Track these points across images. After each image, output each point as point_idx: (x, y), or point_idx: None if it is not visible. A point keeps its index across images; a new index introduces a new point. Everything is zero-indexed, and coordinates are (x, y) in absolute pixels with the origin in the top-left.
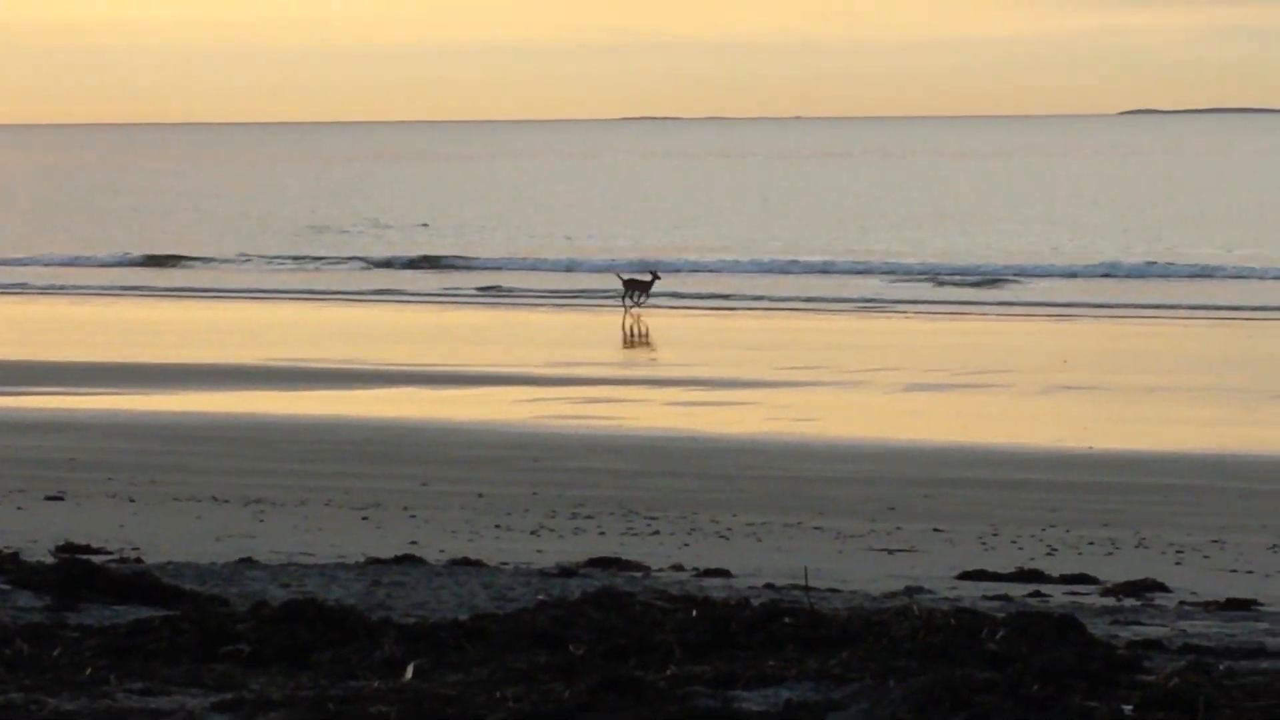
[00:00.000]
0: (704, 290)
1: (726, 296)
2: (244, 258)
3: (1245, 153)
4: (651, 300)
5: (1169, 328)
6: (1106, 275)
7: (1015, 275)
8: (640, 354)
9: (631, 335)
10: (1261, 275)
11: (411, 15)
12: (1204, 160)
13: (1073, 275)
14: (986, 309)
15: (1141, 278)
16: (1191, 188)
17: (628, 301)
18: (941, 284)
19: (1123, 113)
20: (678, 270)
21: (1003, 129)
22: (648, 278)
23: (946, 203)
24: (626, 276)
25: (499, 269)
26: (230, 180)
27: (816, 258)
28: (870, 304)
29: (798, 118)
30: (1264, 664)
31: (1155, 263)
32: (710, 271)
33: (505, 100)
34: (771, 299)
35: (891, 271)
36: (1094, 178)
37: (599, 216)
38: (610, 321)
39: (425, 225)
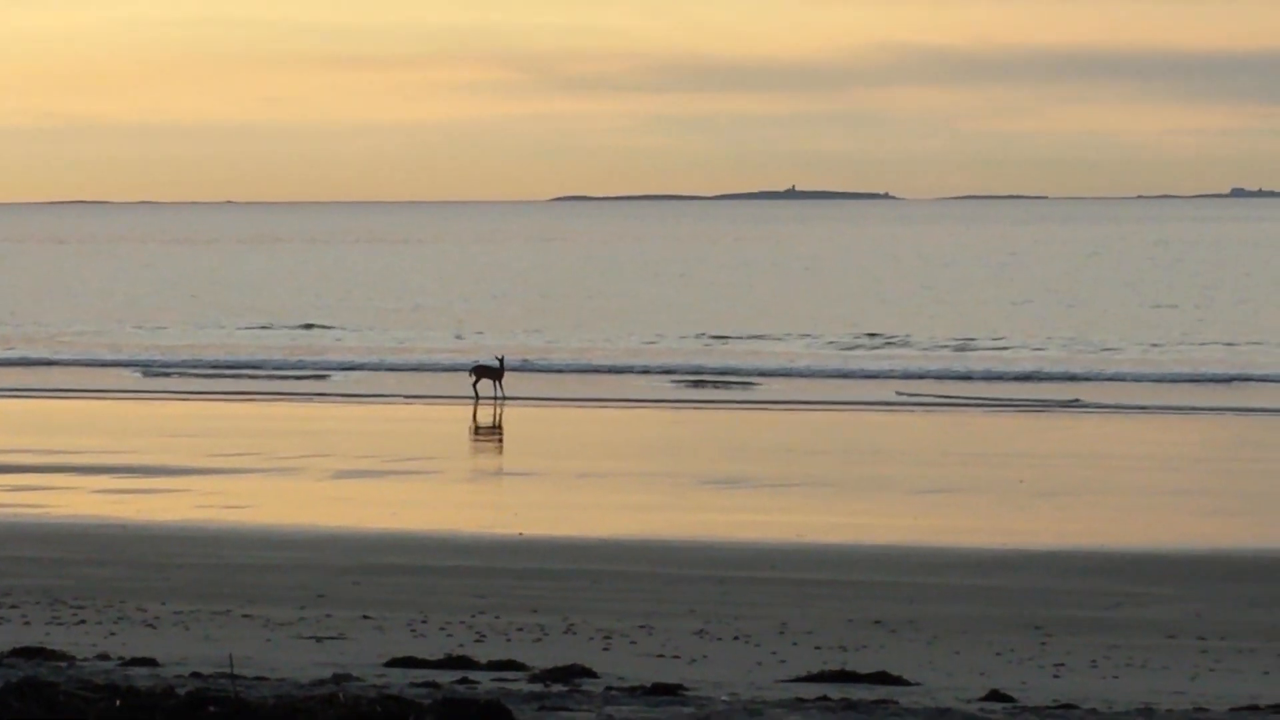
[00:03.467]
0: (117, 385)
1: (136, 392)
2: None
3: (668, 239)
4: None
5: (603, 414)
6: (583, 370)
7: (425, 367)
8: (72, 440)
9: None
10: (671, 369)
11: None
12: (629, 246)
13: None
14: (410, 400)
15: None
16: (625, 275)
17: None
18: (373, 371)
19: (554, 199)
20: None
21: (436, 214)
22: (495, 363)
23: (383, 290)
24: (477, 363)
25: None
26: None
27: (249, 356)
28: (298, 395)
29: (229, 202)
30: None
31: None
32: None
33: None
34: (209, 393)
35: (324, 367)
36: (520, 264)
37: None
38: (29, 407)
39: None
